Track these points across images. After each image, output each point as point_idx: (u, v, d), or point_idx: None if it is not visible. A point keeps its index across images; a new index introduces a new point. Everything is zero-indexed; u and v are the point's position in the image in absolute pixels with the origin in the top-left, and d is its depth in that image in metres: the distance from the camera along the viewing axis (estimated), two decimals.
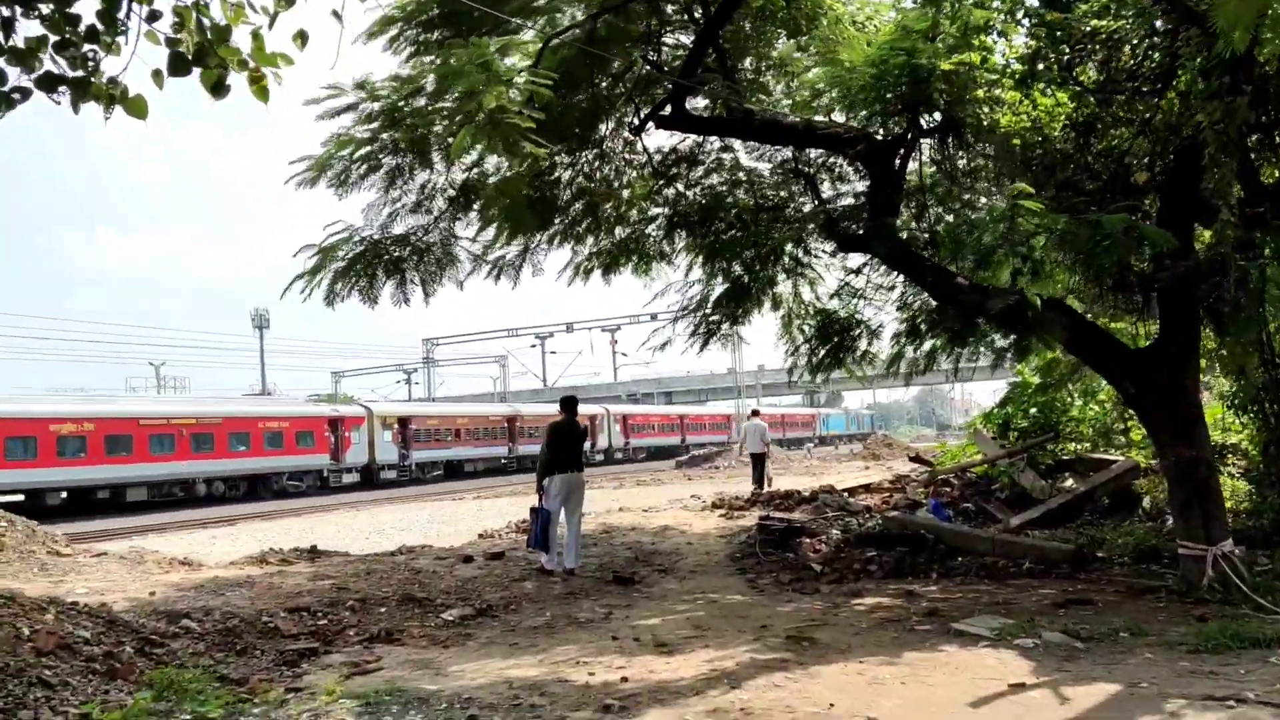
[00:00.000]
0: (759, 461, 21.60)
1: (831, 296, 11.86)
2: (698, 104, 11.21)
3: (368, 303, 9.28)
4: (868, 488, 16.53)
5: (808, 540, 11.50)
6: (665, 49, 11.22)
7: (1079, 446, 14.64)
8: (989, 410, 17.18)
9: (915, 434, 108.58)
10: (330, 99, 7.73)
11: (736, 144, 12.26)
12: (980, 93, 9.59)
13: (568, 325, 74.28)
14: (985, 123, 9.79)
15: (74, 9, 3.36)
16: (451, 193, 9.30)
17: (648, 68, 10.96)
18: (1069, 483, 13.34)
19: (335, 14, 3.84)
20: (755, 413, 24.17)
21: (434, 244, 9.70)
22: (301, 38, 3.45)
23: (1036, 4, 9.12)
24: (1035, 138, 9.60)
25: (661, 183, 12.12)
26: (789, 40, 11.02)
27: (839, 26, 9.75)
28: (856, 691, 5.67)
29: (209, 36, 3.35)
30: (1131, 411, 14.39)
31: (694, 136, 12.06)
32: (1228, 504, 9.51)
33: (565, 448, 10.38)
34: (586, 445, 54.84)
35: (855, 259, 11.87)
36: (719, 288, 12.18)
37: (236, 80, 3.57)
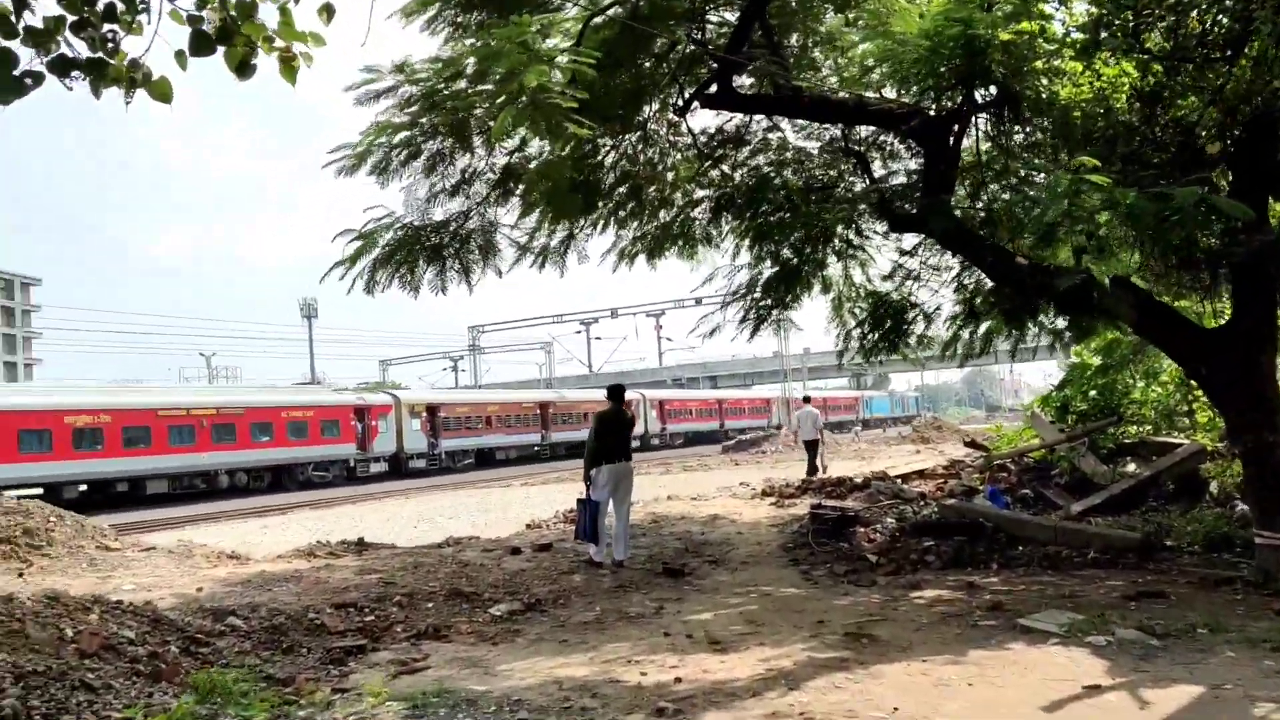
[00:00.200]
0: (813, 448, 21.27)
1: (885, 278, 11.53)
2: (744, 82, 10.92)
3: (408, 290, 9.14)
4: (921, 474, 16.17)
5: (862, 529, 11.21)
6: (710, 27, 10.93)
7: (1141, 430, 14.17)
8: (1046, 393, 16.72)
9: (964, 416, 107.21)
10: (368, 83, 7.56)
11: (784, 123, 11.96)
12: (1039, 64, 9.21)
13: (612, 311, 74.18)
14: (1044, 95, 9.42)
15: None
16: (492, 177, 9.10)
17: (692, 46, 10.69)
18: (1131, 467, 12.89)
19: None
20: (807, 399, 23.78)
21: (474, 231, 9.52)
22: (327, 11, 3.25)
23: None
24: (1097, 109, 9.20)
25: (707, 164, 11.84)
26: (837, 14, 10.68)
27: None
28: (921, 693, 5.41)
29: (233, 13, 3.17)
30: (1196, 393, 13.92)
31: (740, 116, 11.76)
32: None
33: (613, 436, 10.19)
34: None
35: (908, 240, 11.56)
36: (767, 271, 11.91)
37: (264, 61, 3.39)
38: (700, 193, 12.34)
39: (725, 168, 12.11)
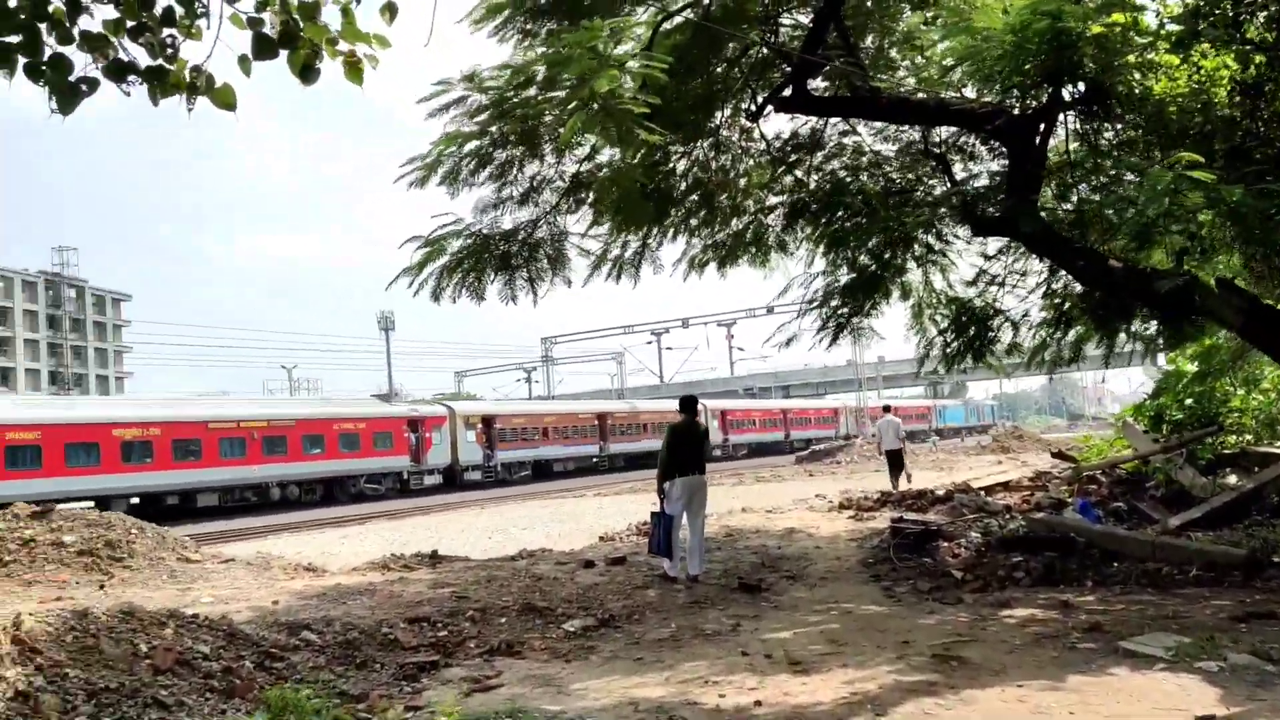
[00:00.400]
0: (895, 459, 20.75)
1: (967, 284, 11.15)
2: (818, 85, 10.68)
3: (475, 299, 9.06)
4: (1005, 485, 15.64)
5: (945, 544, 10.81)
6: (783, 30, 10.71)
7: (1241, 440, 13.50)
8: (1140, 402, 16.06)
9: (1045, 425, 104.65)
10: (439, 95, 7.51)
11: (859, 127, 11.68)
12: (1131, 58, 8.81)
13: (684, 321, 74.00)
14: (1137, 91, 9.00)
15: None
16: (561, 185, 8.99)
17: (765, 50, 10.48)
18: (1232, 479, 12.28)
19: None
20: (888, 408, 23.19)
21: (544, 240, 9.41)
22: (390, 10, 3.13)
23: None
24: (1194, 104, 8.76)
25: (780, 170, 11.61)
26: (915, 12, 10.37)
27: None
28: None
29: (295, 15, 3.06)
30: None
31: (814, 120, 11.52)
32: None
33: (686, 449, 9.97)
34: None
35: (992, 244, 11.17)
36: (844, 278, 11.61)
37: (328, 65, 3.28)
38: (773, 199, 12.11)
39: (799, 173, 11.87)
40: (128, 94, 3.05)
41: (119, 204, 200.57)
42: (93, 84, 3.04)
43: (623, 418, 54.12)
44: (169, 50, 3.05)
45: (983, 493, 14.72)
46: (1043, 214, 9.49)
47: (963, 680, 5.92)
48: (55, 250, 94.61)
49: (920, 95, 9.78)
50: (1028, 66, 8.78)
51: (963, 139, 11.24)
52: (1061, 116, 9.51)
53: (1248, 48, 7.74)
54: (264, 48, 3.11)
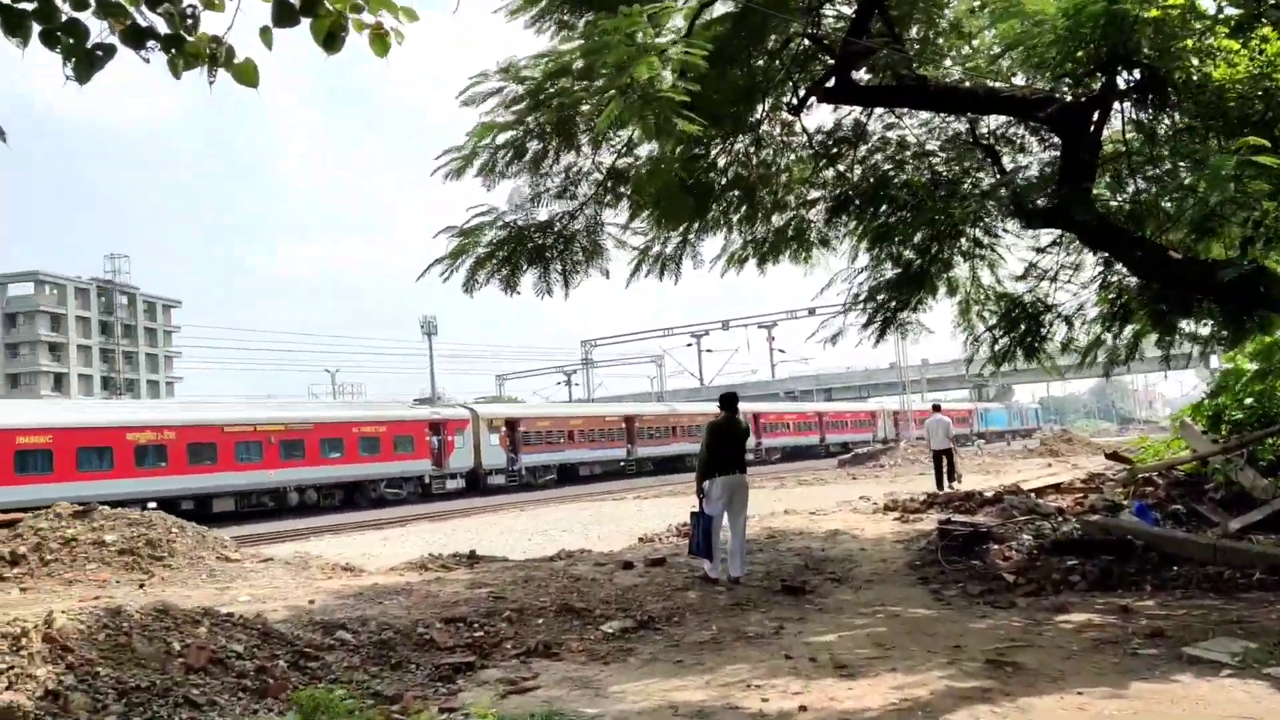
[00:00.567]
0: (944, 459, 20.37)
1: (1017, 279, 10.82)
2: (861, 77, 10.43)
3: (508, 291, 8.92)
4: (1057, 488, 15.20)
5: (995, 546, 10.48)
6: (826, 21, 10.47)
7: None
8: (1198, 401, 15.55)
9: (1094, 428, 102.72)
10: (474, 86, 7.38)
11: (904, 119, 11.40)
12: (1189, 42, 8.47)
13: (724, 323, 73.74)
14: (1194, 77, 8.66)
15: None
16: (598, 176, 8.81)
17: (807, 42, 10.26)
18: None
19: None
20: (936, 408, 22.76)
21: (579, 232, 9.24)
22: None
23: None
24: (1255, 91, 8.40)
25: (822, 164, 11.36)
26: (962, 1, 10.09)
27: None
28: None
29: None
30: None
31: (857, 113, 11.27)
32: None
33: (726, 447, 9.76)
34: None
35: (1043, 238, 10.84)
36: (888, 273, 11.34)
37: (352, 38, 3.14)
38: (815, 194, 11.87)
39: (841, 167, 11.62)
40: (146, 60, 2.93)
41: (172, 213, 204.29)
42: (109, 50, 2.93)
43: (652, 420, 53.28)
44: (189, 20, 2.93)
45: (1033, 494, 14.30)
46: (1097, 206, 9.17)
47: (1019, 687, 5.66)
48: (107, 258, 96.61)
49: (968, 84, 9.50)
50: (1080, 53, 8.49)
51: (1011, 130, 10.94)
52: (1116, 105, 9.19)
53: None
54: (285, 15, 2.97)
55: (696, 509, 9.69)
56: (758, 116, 11.03)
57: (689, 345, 77.84)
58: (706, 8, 8.43)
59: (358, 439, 37.16)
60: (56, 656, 5.36)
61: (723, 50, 8.85)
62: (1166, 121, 9.35)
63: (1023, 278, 10.80)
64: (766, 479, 33.75)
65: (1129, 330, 10.34)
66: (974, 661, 6.27)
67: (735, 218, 11.70)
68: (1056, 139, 10.03)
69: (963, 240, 11.09)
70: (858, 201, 11.24)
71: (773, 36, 10.10)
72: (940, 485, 19.60)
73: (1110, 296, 10.10)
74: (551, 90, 6.94)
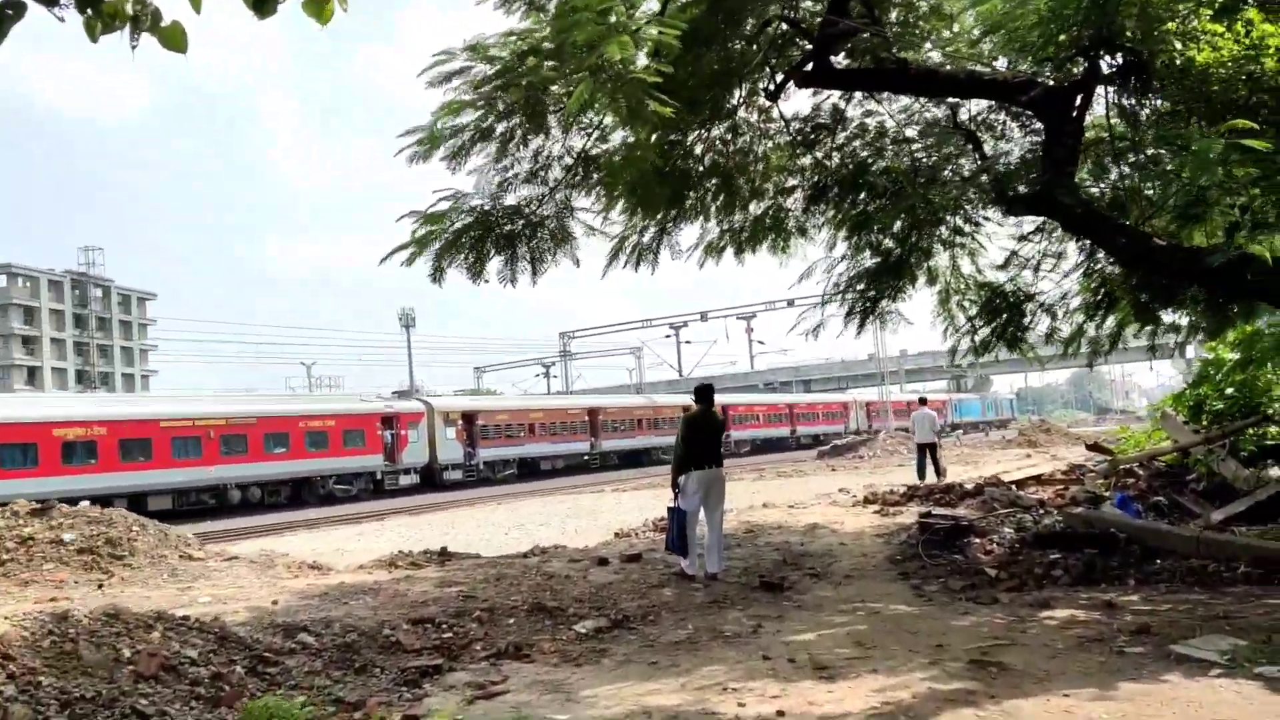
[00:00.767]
0: (928, 452, 20.28)
1: (998, 268, 10.63)
2: (840, 62, 10.20)
3: (474, 279, 8.64)
4: (1038, 479, 15.08)
5: (977, 540, 10.32)
6: (804, 6, 10.23)
7: None
8: (1179, 391, 15.46)
9: (1071, 419, 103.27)
10: (440, 64, 7.08)
11: (881, 107, 11.19)
12: (1173, 25, 8.30)
13: (702, 314, 73.46)
14: (1179, 62, 8.50)
15: None
16: (568, 161, 8.53)
17: (784, 26, 10.02)
18: (1275, 472, 11.70)
19: None
20: (923, 400, 22.68)
21: (548, 217, 8.95)
22: None
23: None
24: (1239, 75, 8.24)
25: (800, 151, 11.13)
26: None
27: None
28: None
29: None
30: None
31: (835, 98, 11.04)
32: None
33: (702, 440, 9.54)
34: (669, 441, 52.34)
35: (1025, 225, 10.66)
36: (867, 262, 11.13)
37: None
38: (792, 181, 11.64)
39: (819, 154, 11.39)
40: (61, 19, 2.67)
41: (153, 206, 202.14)
42: (19, 8, 2.66)
43: (616, 413, 52.35)
44: None
45: (1014, 486, 14.17)
46: (1080, 192, 8.99)
47: (1004, 689, 5.47)
48: (82, 250, 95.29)
49: (949, 68, 9.30)
50: (1063, 36, 8.30)
51: (992, 116, 10.74)
52: (1099, 89, 9.01)
53: None
54: None
55: (673, 504, 9.46)
56: (734, 102, 10.78)
57: (667, 337, 77.45)
58: None
59: (304, 433, 35.81)
60: None
61: (698, 33, 8.59)
62: (1150, 106, 9.19)
63: (1004, 267, 10.62)
64: (746, 471, 33.62)
65: (1112, 320, 10.17)
66: (957, 661, 6.07)
67: (713, 206, 11.46)
68: (1038, 125, 9.85)
69: (943, 228, 10.89)
70: (836, 189, 11.03)
71: (750, 20, 9.86)
72: (922, 477, 19.49)
73: (1093, 286, 9.93)
74: (521, 70, 6.67)
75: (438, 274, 8.57)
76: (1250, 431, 12.46)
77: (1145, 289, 8.71)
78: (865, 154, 11.08)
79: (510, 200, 8.68)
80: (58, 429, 29.45)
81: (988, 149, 10.43)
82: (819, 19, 9.66)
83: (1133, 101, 9.11)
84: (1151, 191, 9.16)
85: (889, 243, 10.99)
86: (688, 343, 77.92)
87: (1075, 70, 8.85)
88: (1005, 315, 10.29)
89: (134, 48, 2.84)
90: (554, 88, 6.94)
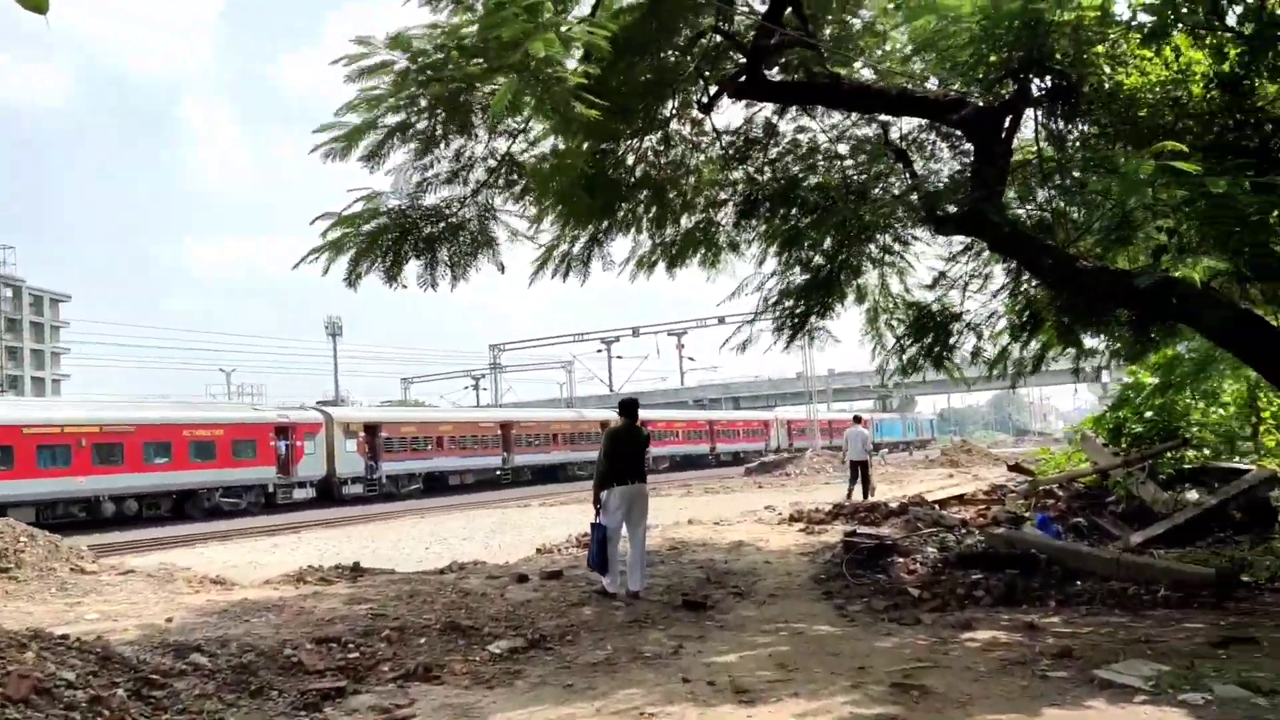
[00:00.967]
0: (860, 470, 20.38)
1: (927, 288, 10.64)
2: (774, 75, 10.13)
3: (391, 284, 8.31)
4: (960, 499, 15.18)
5: (900, 559, 10.26)
6: (739, 18, 10.14)
7: (1201, 454, 13.17)
8: (1099, 414, 15.71)
9: (991, 440, 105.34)
10: (360, 58, 6.77)
11: (813, 123, 11.16)
12: (1102, 48, 8.38)
13: (634, 330, 73.49)
14: (1107, 85, 8.58)
15: None
16: (492, 163, 8.26)
17: (718, 38, 9.92)
18: (1193, 495, 11.91)
19: None
20: (857, 419, 22.81)
21: (470, 220, 8.66)
22: None
23: None
24: (1165, 100, 8.34)
25: (732, 164, 11.04)
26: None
27: None
28: None
29: None
30: (1264, 415, 12.93)
31: (767, 112, 10.98)
32: None
33: (626, 455, 9.31)
34: (590, 457, 51.20)
35: (953, 246, 10.69)
36: (797, 279, 11.07)
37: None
38: (724, 195, 11.54)
39: (751, 169, 11.32)
40: None
41: (66, 204, 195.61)
42: None
43: (531, 427, 50.96)
44: None
45: (938, 506, 14.23)
46: (1008, 213, 9.01)
47: (926, 714, 5.32)
48: None
49: (881, 84, 9.27)
50: (994, 57, 8.32)
51: (922, 136, 10.78)
52: (1028, 111, 9.07)
53: (1227, 34, 7.27)
54: None
55: (595, 520, 9.21)
56: (667, 113, 10.66)
57: (599, 351, 77.30)
58: None
59: (188, 443, 33.74)
60: None
61: (631, 40, 8.44)
62: (1077, 130, 9.27)
63: (932, 286, 10.63)
64: (673, 487, 33.48)
65: (1036, 343, 10.23)
66: (879, 685, 5.92)
67: (645, 219, 11.30)
68: (968, 146, 9.89)
69: (872, 246, 10.90)
70: (767, 204, 10.95)
71: (684, 30, 9.74)
72: (851, 495, 19.56)
73: (1018, 307, 9.97)
74: (444, 65, 6.40)
75: (353, 278, 8.23)
76: (1168, 455, 12.68)
77: (1070, 310, 8.74)
78: (797, 169, 11.04)
79: (430, 201, 8.37)
80: None
81: (918, 168, 10.44)
82: (753, 32, 9.58)
83: (1061, 125, 9.18)
84: (1077, 215, 9.25)
85: (819, 259, 10.95)
86: (619, 357, 77.85)
87: (1005, 92, 8.89)
88: (932, 335, 10.28)
89: None
90: (480, 89, 6.68)
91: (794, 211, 10.64)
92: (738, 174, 11.19)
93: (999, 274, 10.53)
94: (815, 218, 10.43)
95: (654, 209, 11.21)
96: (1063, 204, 9.12)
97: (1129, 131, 8.41)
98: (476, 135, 7.93)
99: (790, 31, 8.42)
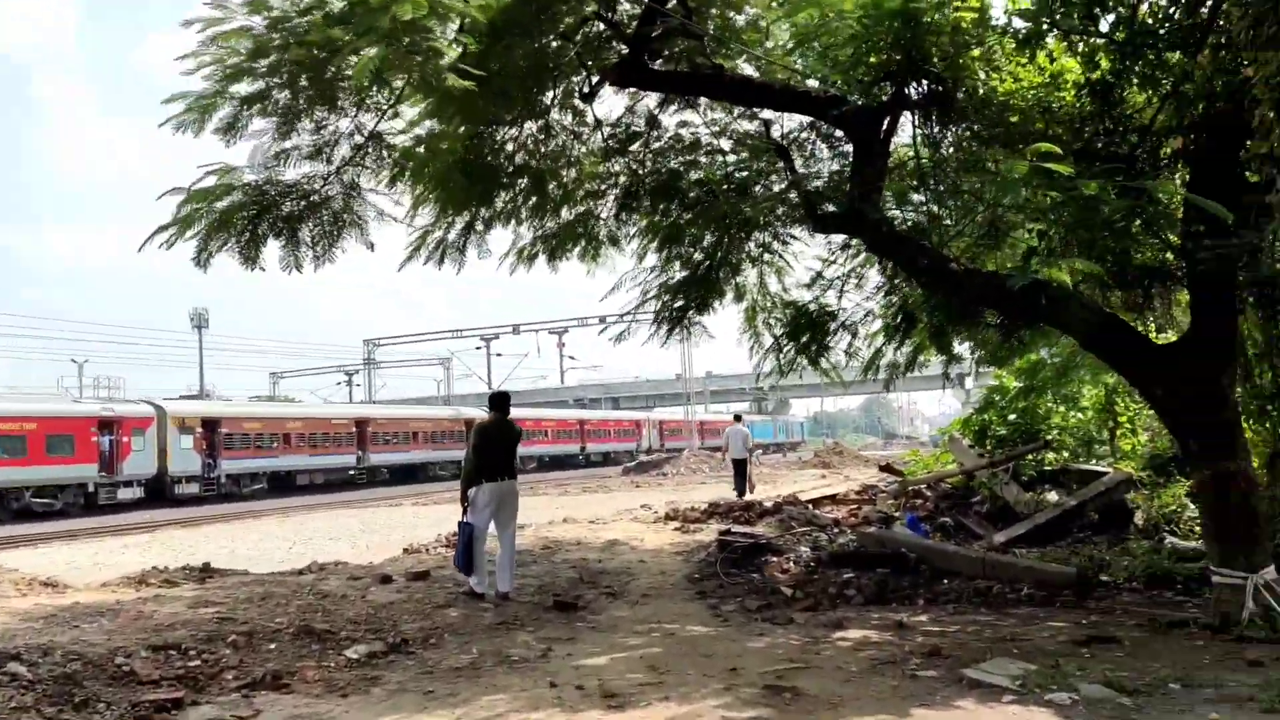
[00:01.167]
0: (741, 468, 20.58)
1: (805, 287, 10.66)
2: (657, 67, 9.96)
3: (248, 265, 7.75)
4: (833, 499, 15.34)
5: (774, 559, 10.23)
6: (623, 7, 9.92)
7: (1057, 456, 13.61)
8: (966, 416, 16.12)
9: (861, 442, 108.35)
10: (216, 23, 6.27)
11: (696, 116, 11.04)
12: (977, 52, 8.47)
13: (514, 327, 72.53)
14: (981, 91, 8.69)
15: None
16: (359, 139, 7.81)
17: (601, 25, 9.68)
18: (1052, 496, 12.28)
19: None
20: (738, 418, 23.00)
21: (333, 197, 8.18)
22: None
23: None
24: (1037, 107, 8.49)
25: (613, 155, 10.83)
26: None
27: None
28: None
29: None
30: (1121, 419, 13.44)
31: (651, 104, 10.80)
32: None
33: (496, 451, 8.97)
34: (454, 456, 49.25)
35: (831, 245, 10.73)
36: (677, 275, 10.95)
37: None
38: (605, 188, 11.33)
39: (633, 163, 11.13)
40: None
41: None
42: None
43: (388, 424, 48.84)
44: None
45: (811, 505, 14.33)
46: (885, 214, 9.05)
47: (797, 716, 5.22)
48: None
49: (763, 78, 9.20)
50: (873, 58, 8.32)
51: (803, 135, 10.77)
52: (911, 114, 9.12)
53: (1100, 41, 7.41)
54: None
55: (462, 518, 8.85)
56: (548, 101, 10.38)
57: (479, 348, 75.90)
58: None
59: None
60: None
61: (511, 21, 8.12)
62: (952, 134, 9.37)
63: (810, 285, 10.64)
64: (550, 485, 33.18)
65: (909, 345, 10.34)
66: (752, 687, 5.78)
67: (524, 208, 11.00)
68: (847, 148, 9.91)
69: (751, 244, 10.84)
70: (649, 198, 10.79)
71: (566, 16, 9.47)
72: (741, 491, 19.72)
73: (893, 309, 10.06)
74: (305, 28, 5.97)
75: (203, 258, 7.64)
76: (1030, 457, 13.05)
77: (943, 311, 8.82)
78: (678, 163, 10.89)
79: (291, 177, 7.85)
80: None
81: (799, 166, 10.43)
82: (636, 21, 9.39)
83: (936, 129, 9.27)
84: (950, 220, 9.37)
85: (699, 255, 10.85)
86: (499, 355, 76.56)
87: (883, 95, 8.92)
88: (809, 334, 10.28)
89: None
90: (346, 57, 6.25)
91: (675, 206, 10.50)
92: (619, 166, 10.99)
93: (874, 275, 10.62)
94: (696, 212, 10.31)
95: (534, 198, 10.92)
96: (936, 208, 9.21)
97: (1001, 136, 8.52)
98: (343, 110, 7.47)
99: (672, 16, 8.23)
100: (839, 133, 9.75)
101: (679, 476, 38.37)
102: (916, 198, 9.66)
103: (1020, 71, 8.47)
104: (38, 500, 31.88)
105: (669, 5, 9.01)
